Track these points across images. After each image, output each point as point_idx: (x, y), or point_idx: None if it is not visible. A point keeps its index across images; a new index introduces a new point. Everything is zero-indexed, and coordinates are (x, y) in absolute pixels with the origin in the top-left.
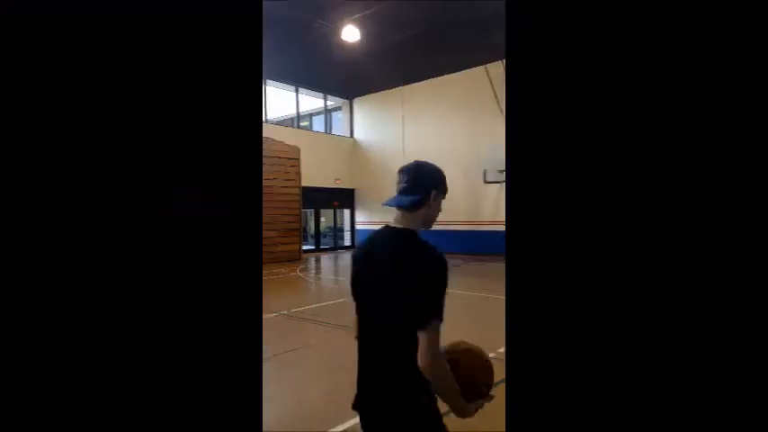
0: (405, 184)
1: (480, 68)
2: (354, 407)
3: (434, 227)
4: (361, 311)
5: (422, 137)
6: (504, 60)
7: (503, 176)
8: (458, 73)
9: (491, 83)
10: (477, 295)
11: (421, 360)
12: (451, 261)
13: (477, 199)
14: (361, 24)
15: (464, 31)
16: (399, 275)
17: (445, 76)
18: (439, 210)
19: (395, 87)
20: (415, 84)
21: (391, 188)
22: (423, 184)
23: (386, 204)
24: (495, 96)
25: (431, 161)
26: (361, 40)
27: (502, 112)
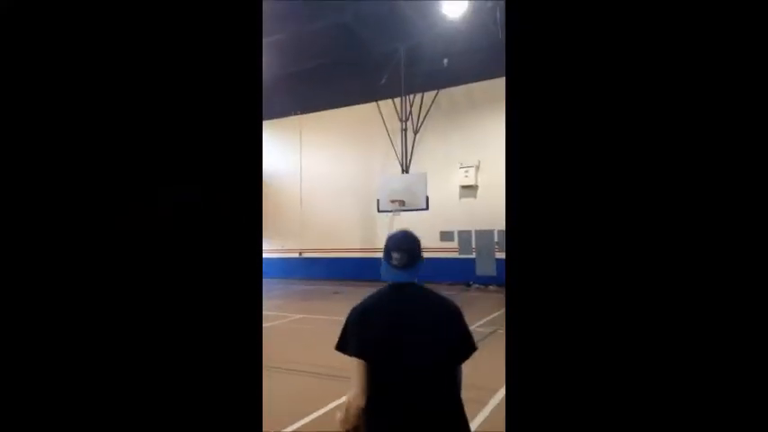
0: (405, 259)
1: (373, 104)
2: None
3: (327, 254)
4: (386, 366)
5: (319, 166)
6: (394, 99)
7: (394, 206)
8: (353, 107)
9: (383, 119)
10: None
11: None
12: (336, 288)
13: (371, 227)
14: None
15: (359, 69)
16: (447, 317)
17: (341, 109)
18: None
19: (293, 115)
20: (313, 114)
21: (290, 216)
22: (416, 255)
23: (393, 279)
24: (387, 131)
25: (329, 190)
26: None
27: (393, 145)
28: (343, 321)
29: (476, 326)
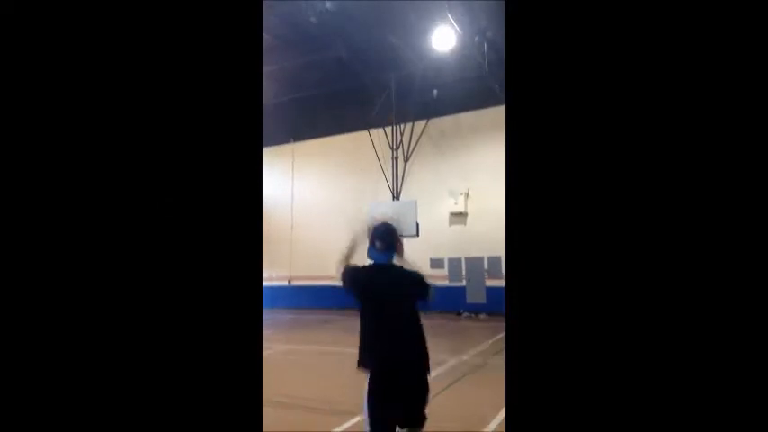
0: (383, 246)
1: (364, 133)
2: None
3: (317, 282)
4: (374, 312)
5: (311, 193)
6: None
7: None
8: (344, 135)
9: (374, 147)
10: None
11: (432, 293)
12: (325, 317)
13: (361, 255)
14: None
15: (352, 99)
16: (413, 281)
17: (334, 137)
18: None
19: (285, 144)
20: (305, 141)
21: (281, 243)
22: (392, 243)
23: (375, 260)
24: (378, 159)
25: (320, 217)
26: None
27: (384, 173)
28: (333, 351)
29: (466, 355)
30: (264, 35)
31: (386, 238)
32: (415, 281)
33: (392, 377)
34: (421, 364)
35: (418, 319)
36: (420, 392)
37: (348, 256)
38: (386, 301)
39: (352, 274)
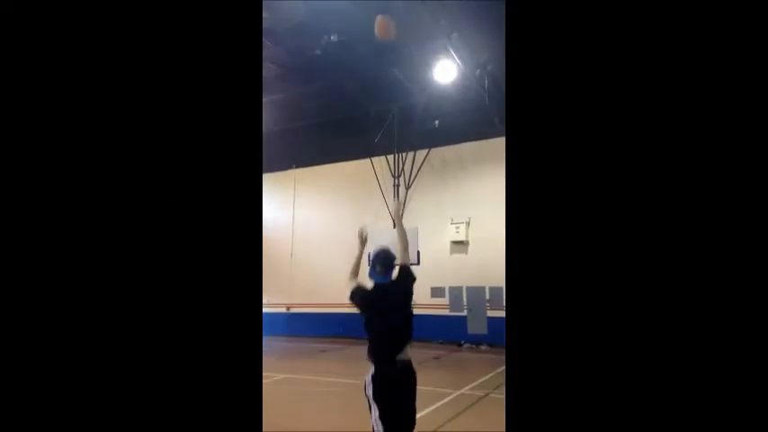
0: (383, 270)
1: (366, 160)
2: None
3: (315, 309)
4: (383, 319)
5: (311, 219)
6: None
7: None
8: (347, 162)
9: (376, 175)
10: (351, 383)
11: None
12: (323, 345)
13: (361, 281)
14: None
15: (354, 127)
16: (403, 289)
17: (336, 164)
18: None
19: (288, 170)
20: (307, 168)
21: (280, 270)
22: (390, 266)
23: (377, 281)
24: (380, 187)
25: (320, 244)
26: None
27: (385, 200)
28: (330, 381)
29: (466, 389)
30: (270, 65)
31: (385, 262)
32: (407, 284)
33: (392, 370)
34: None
35: (411, 309)
36: (411, 381)
37: (356, 268)
38: (390, 312)
39: (362, 295)
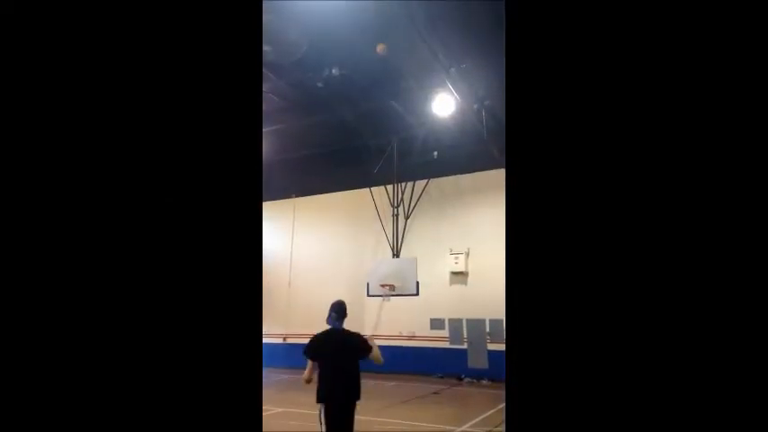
0: (337, 317)
1: (366, 190)
2: (322, 400)
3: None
4: (326, 364)
5: (310, 248)
6: (386, 186)
7: (384, 290)
8: (346, 192)
9: (375, 204)
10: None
11: (375, 354)
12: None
13: (359, 311)
14: (264, 138)
15: (354, 158)
16: (355, 344)
17: (335, 193)
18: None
19: (287, 198)
20: (307, 197)
21: (277, 299)
22: (343, 314)
23: (331, 326)
24: (379, 216)
25: (318, 273)
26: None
27: (385, 230)
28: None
29: (468, 425)
30: (273, 96)
31: (339, 311)
32: (356, 343)
33: (335, 408)
34: (352, 401)
35: (357, 370)
36: (348, 418)
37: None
38: (334, 357)
39: (310, 343)
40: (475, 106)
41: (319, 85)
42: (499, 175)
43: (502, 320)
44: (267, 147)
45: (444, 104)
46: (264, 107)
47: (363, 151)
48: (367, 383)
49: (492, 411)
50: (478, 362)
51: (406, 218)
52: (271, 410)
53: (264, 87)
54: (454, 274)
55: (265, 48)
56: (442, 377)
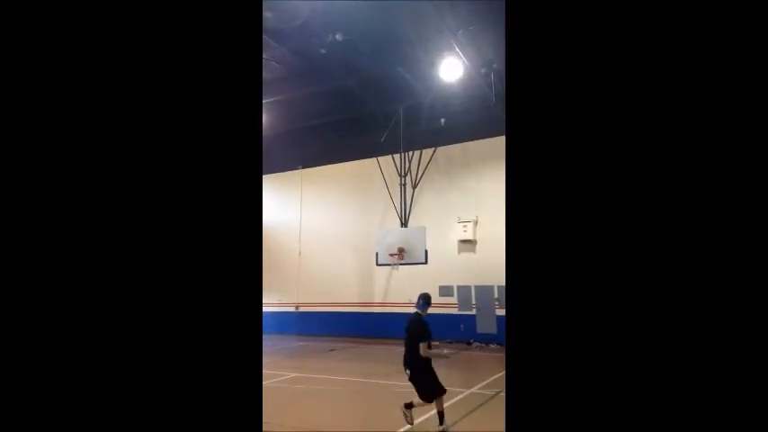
0: (421, 303)
1: (373, 160)
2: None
3: (324, 309)
4: (407, 339)
5: (318, 219)
6: (393, 155)
7: (393, 260)
8: (353, 162)
9: (382, 174)
10: (360, 381)
11: (422, 349)
12: (331, 344)
13: (368, 282)
14: (268, 109)
15: (361, 127)
16: (418, 328)
17: (342, 164)
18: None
19: (294, 170)
20: (314, 168)
21: (288, 270)
22: (425, 303)
23: (420, 310)
24: (387, 186)
25: (327, 244)
26: (266, 123)
27: (392, 200)
28: (339, 380)
29: (477, 388)
30: (276, 65)
31: (425, 298)
32: (418, 328)
33: (411, 373)
34: (421, 370)
35: (418, 347)
36: (416, 380)
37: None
38: (408, 328)
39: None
40: (483, 70)
41: (322, 51)
42: None
43: None
44: (271, 118)
45: (452, 69)
46: (265, 75)
47: (369, 120)
48: (374, 348)
49: (501, 374)
50: (487, 327)
51: (414, 187)
52: (284, 375)
53: (265, 55)
54: (463, 242)
55: (266, 14)
56: (451, 342)
